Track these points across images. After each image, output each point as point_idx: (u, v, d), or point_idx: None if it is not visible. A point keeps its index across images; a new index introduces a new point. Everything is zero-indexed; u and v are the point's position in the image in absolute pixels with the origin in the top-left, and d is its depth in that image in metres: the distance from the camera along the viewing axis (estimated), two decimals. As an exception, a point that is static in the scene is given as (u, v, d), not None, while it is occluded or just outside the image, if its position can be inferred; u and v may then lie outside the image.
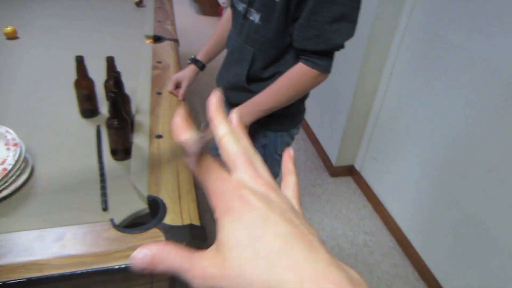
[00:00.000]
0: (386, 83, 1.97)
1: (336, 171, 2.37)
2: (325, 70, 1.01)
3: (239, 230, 0.22)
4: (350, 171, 2.39)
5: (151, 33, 1.71)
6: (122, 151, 1.01)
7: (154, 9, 2.05)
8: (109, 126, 0.97)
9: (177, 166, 0.98)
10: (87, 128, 1.12)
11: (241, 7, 1.07)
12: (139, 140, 1.06)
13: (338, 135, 2.26)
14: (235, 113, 0.29)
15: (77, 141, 1.06)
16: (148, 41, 1.65)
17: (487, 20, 1.35)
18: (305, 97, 1.21)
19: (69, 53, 1.46)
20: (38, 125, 1.11)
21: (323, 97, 2.47)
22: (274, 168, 1.28)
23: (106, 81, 1.13)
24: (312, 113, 2.71)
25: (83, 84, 1.10)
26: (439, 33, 1.58)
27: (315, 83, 1.03)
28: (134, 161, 0.98)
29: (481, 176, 1.43)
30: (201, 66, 1.32)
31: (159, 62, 1.47)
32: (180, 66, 1.48)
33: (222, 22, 1.32)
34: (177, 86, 1.30)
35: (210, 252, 0.23)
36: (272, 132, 1.22)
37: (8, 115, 1.14)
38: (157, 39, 1.67)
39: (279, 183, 0.28)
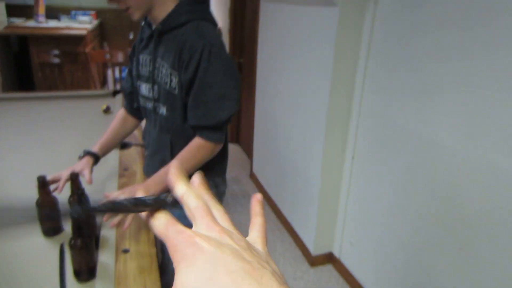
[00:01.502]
0: (350, 166, 2.05)
1: (316, 261, 2.32)
2: (218, 141, 1.18)
3: (193, 274, 0.24)
4: (330, 259, 2.35)
5: (118, 140, 1.74)
6: (86, 271, 0.97)
7: (121, 116, 2.12)
8: (72, 246, 0.94)
9: (145, 282, 0.93)
10: (49, 247, 1.07)
11: (150, 105, 1.26)
12: (105, 257, 1.02)
13: (313, 221, 2.26)
14: (196, 176, 0.33)
15: (38, 263, 1.01)
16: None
17: (433, 102, 1.49)
18: (221, 172, 1.40)
19: (34, 170, 1.46)
20: (-5, 251, 1.05)
21: (293, 184, 2.51)
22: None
23: (70, 197, 1.12)
24: (284, 202, 2.73)
25: (46, 203, 1.09)
26: (386, 116, 1.71)
27: (212, 153, 1.19)
28: (99, 282, 0.93)
29: (453, 254, 1.44)
30: (95, 158, 1.30)
31: (125, 170, 1.48)
32: (147, 172, 1.50)
33: (116, 119, 1.43)
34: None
35: None
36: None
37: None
38: (123, 145, 1.71)
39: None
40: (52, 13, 5.23)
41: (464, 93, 1.32)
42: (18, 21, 4.68)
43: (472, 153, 1.32)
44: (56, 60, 3.68)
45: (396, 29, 1.60)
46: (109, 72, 5.26)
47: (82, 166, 1.23)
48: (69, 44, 4.14)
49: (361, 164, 1.97)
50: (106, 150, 1.36)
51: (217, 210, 0.30)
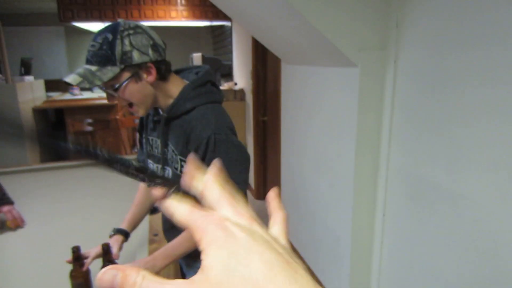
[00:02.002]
0: (381, 224, 1.99)
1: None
2: None
3: (225, 256, 0.22)
4: (367, 321, 2.20)
5: (148, 205, 1.78)
6: None
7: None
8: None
9: None
10: (81, 319, 1.07)
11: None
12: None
13: (346, 282, 2.16)
14: (214, 165, 0.31)
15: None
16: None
17: (463, 158, 1.46)
18: None
19: (69, 239, 1.50)
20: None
21: (323, 243, 2.44)
22: None
23: (102, 267, 1.13)
24: (315, 261, 2.64)
25: (79, 273, 1.10)
26: (416, 172, 1.68)
27: None
28: None
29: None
30: (125, 234, 1.31)
31: (155, 235, 1.50)
32: (176, 236, 1.50)
33: (139, 192, 1.44)
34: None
35: (195, 277, 0.23)
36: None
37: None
38: (152, 210, 1.73)
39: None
40: (86, 85, 5.62)
41: (497, 148, 1.30)
42: (55, 95, 5.05)
43: (507, 211, 1.26)
44: (89, 128, 3.90)
45: (419, 85, 1.62)
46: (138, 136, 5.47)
47: (111, 244, 1.25)
48: (101, 112, 4.40)
49: (392, 222, 1.91)
50: (134, 225, 1.38)
51: (240, 200, 0.29)
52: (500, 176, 1.28)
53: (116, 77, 1.02)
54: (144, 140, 1.32)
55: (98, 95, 4.99)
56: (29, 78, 4.38)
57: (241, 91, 4.31)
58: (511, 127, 1.22)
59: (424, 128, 1.61)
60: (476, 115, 1.35)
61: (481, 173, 1.35)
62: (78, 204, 1.93)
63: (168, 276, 1.21)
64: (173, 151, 1.17)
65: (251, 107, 4.06)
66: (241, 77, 4.43)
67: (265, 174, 4.13)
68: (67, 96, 4.94)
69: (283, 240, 0.29)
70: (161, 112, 1.21)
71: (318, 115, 2.36)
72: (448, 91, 1.47)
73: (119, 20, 1.06)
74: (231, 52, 4.82)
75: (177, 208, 0.27)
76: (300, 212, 2.81)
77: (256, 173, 4.18)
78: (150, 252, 1.37)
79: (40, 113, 4.42)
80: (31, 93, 4.27)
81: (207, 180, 0.29)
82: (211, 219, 0.25)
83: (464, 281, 1.48)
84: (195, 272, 0.24)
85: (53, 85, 5.45)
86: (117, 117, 4.34)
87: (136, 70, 1.04)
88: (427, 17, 1.53)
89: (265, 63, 3.72)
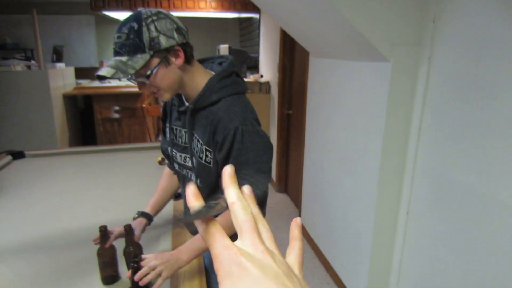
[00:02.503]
0: (404, 222, 1.95)
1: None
2: None
3: None
4: (385, 319, 2.17)
5: (172, 191, 1.81)
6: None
7: (175, 167, 2.21)
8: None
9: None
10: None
11: (185, 173, 1.28)
12: (159, 308, 1.02)
13: (364, 278, 2.13)
14: (246, 186, 0.33)
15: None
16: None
17: (494, 161, 1.41)
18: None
19: (96, 218, 1.54)
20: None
21: (343, 238, 2.42)
22: None
23: (126, 247, 1.16)
24: (334, 255, 2.62)
25: (106, 251, 1.13)
26: (443, 171, 1.63)
27: None
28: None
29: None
30: (149, 218, 1.35)
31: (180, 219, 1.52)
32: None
33: (163, 178, 1.48)
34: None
35: None
36: None
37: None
38: (177, 196, 1.76)
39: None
40: (115, 73, 5.73)
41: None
42: (84, 82, 5.17)
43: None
44: (116, 115, 3.97)
45: (453, 85, 1.57)
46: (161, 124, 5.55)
47: (134, 226, 1.28)
48: (128, 100, 4.49)
49: (416, 220, 1.87)
50: (158, 209, 1.41)
51: (263, 227, 0.32)
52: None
53: (146, 64, 1.04)
54: (167, 129, 1.33)
55: (125, 83, 5.08)
56: (60, 65, 4.50)
57: (267, 84, 4.30)
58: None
59: (455, 129, 1.57)
60: (508, 117, 1.30)
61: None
62: (105, 186, 1.97)
63: (191, 272, 1.23)
64: (198, 141, 1.18)
65: (276, 100, 4.04)
66: (267, 69, 4.42)
67: (287, 168, 4.12)
68: (96, 84, 5.05)
69: (296, 269, 0.32)
70: (185, 102, 1.22)
71: (345, 110, 2.33)
72: (482, 92, 1.42)
73: (139, 9, 1.06)
74: (258, 44, 4.81)
75: (206, 229, 0.30)
76: (321, 206, 2.79)
77: (278, 167, 4.18)
78: (173, 236, 1.40)
79: (70, 99, 4.54)
80: (62, 79, 4.39)
81: (238, 197, 0.31)
82: (228, 253, 0.28)
83: (488, 284, 1.44)
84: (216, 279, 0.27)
85: (83, 72, 5.59)
86: (143, 105, 4.41)
87: (165, 55, 1.05)
88: (466, 13, 1.48)
89: (292, 56, 3.69)
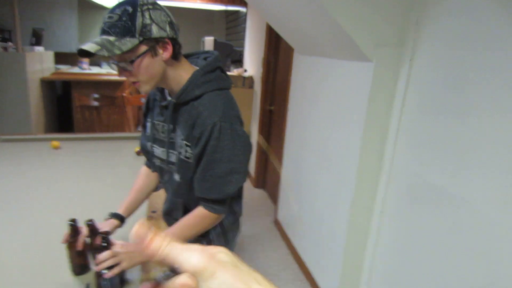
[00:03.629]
0: (378, 221, 1.98)
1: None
2: (221, 212, 1.20)
3: None
4: (356, 316, 2.21)
5: (149, 182, 1.78)
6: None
7: (153, 158, 2.18)
8: (98, 285, 0.95)
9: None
10: (77, 286, 1.08)
11: (165, 168, 1.28)
12: (129, 300, 1.01)
13: (336, 276, 2.16)
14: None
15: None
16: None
17: (469, 163, 1.44)
18: (237, 215, 1.39)
19: (69, 208, 1.50)
20: (24, 286, 1.06)
21: (317, 236, 2.44)
22: None
23: (90, 243, 1.12)
24: (308, 253, 2.64)
25: (76, 245, 1.11)
26: (419, 173, 1.66)
27: (212, 223, 1.21)
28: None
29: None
30: (121, 219, 1.28)
31: (153, 212, 1.50)
32: (175, 215, 1.50)
33: (139, 178, 1.42)
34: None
35: None
36: (231, 240, 1.40)
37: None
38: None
39: None
40: (95, 60, 5.60)
41: (503, 155, 1.28)
42: (64, 68, 5.04)
43: (507, 218, 1.24)
44: (95, 103, 3.89)
45: (433, 86, 1.60)
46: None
47: (103, 226, 1.21)
48: (108, 88, 4.39)
49: (390, 220, 1.90)
50: (131, 210, 1.35)
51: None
52: (503, 182, 1.26)
53: (133, 49, 1.01)
54: (148, 124, 1.30)
55: (106, 71, 4.98)
56: (39, 49, 4.36)
57: (250, 79, 4.28)
58: (523, 134, 1.21)
59: (432, 132, 1.59)
60: (486, 122, 1.33)
61: (485, 179, 1.34)
62: (81, 175, 1.93)
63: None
64: (179, 136, 1.16)
65: (259, 95, 4.03)
66: (251, 64, 4.40)
67: (266, 164, 4.13)
68: (75, 70, 4.92)
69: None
70: (168, 96, 1.20)
71: (326, 109, 2.34)
72: (460, 97, 1.45)
73: None
74: (243, 38, 4.78)
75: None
76: (298, 202, 2.81)
77: (257, 162, 4.18)
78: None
79: (47, 84, 4.41)
80: (40, 64, 4.25)
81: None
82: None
83: (457, 286, 1.48)
84: None
85: (63, 57, 5.43)
86: (124, 94, 4.33)
87: (153, 45, 1.03)
88: (448, 16, 1.50)
89: (277, 52, 3.69)
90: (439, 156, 1.56)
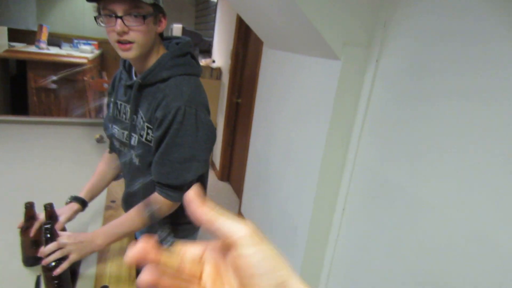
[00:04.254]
0: (339, 218, 2.02)
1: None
2: (176, 200, 1.14)
3: None
4: (313, 309, 2.26)
5: (108, 171, 1.71)
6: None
7: (114, 146, 2.10)
8: (46, 276, 0.90)
9: (123, 325, 0.88)
10: (28, 278, 1.01)
11: (124, 151, 1.24)
12: (83, 293, 0.96)
13: (296, 269, 2.19)
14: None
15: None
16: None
17: (426, 164, 1.50)
18: None
19: (21, 195, 1.42)
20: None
21: (280, 230, 2.46)
22: None
23: (44, 224, 1.07)
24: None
25: (31, 231, 1.04)
26: (380, 172, 1.71)
27: (167, 211, 1.15)
28: (73, 321, 0.87)
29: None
30: (82, 203, 1.25)
31: (113, 202, 1.44)
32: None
33: (102, 162, 1.40)
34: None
35: None
36: (180, 238, 1.32)
37: None
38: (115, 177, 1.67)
39: None
40: (54, 40, 5.32)
41: (461, 157, 1.34)
42: (19, 46, 4.74)
43: (466, 222, 1.31)
44: (53, 86, 3.69)
45: (395, 88, 1.64)
46: (105, 101, 5.28)
47: (63, 211, 1.17)
48: (68, 71, 4.18)
49: (351, 218, 1.95)
50: (93, 194, 1.31)
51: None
52: (459, 182, 1.32)
53: (144, 6, 1.01)
54: (111, 104, 1.26)
55: (66, 52, 4.73)
56: (-9, 23, 4.07)
57: (218, 70, 4.23)
58: (474, 140, 1.27)
59: (394, 131, 1.64)
60: (444, 124, 1.39)
61: (442, 178, 1.40)
62: (35, 161, 1.82)
63: (122, 251, 1.17)
64: (141, 118, 1.12)
65: (226, 87, 4.00)
66: (220, 55, 4.35)
67: (231, 156, 4.11)
68: (32, 49, 4.64)
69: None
70: (134, 77, 1.16)
71: (292, 104, 2.35)
72: (421, 99, 1.50)
73: None
74: (213, 28, 4.71)
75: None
76: (262, 197, 2.82)
77: (222, 155, 4.15)
78: (105, 218, 1.32)
79: (0, 62, 4.13)
80: (-7, 39, 3.98)
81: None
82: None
83: (412, 284, 1.54)
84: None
85: (18, 35, 5.11)
86: (85, 78, 4.14)
87: (157, 14, 1.07)
88: (415, 19, 1.55)
89: (246, 45, 3.66)
90: (399, 155, 1.61)
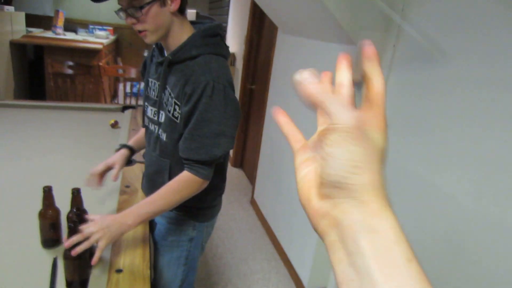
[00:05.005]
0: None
1: (309, 296, 2.25)
2: (206, 177, 1.15)
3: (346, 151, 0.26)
4: (324, 296, 2.27)
5: (123, 156, 1.73)
6: (78, 283, 0.94)
7: (129, 131, 2.12)
8: (66, 257, 0.92)
9: (137, 307, 0.90)
10: (46, 259, 1.04)
11: (153, 128, 1.26)
12: (98, 273, 0.98)
13: (310, 256, 2.20)
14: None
15: (33, 274, 0.97)
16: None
17: (444, 152, 1.47)
18: (220, 192, 1.38)
19: (38, 179, 1.44)
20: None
21: (293, 217, 2.47)
22: (197, 256, 1.39)
23: (69, 212, 1.09)
24: (283, 232, 2.67)
25: (49, 214, 1.06)
26: (392, 157, 1.69)
27: (197, 189, 1.16)
28: (89, 301, 0.89)
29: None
30: (130, 150, 1.37)
31: (127, 187, 1.46)
32: (149, 191, 1.47)
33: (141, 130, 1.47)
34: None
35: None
36: (200, 223, 1.34)
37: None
38: (127, 162, 1.69)
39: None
40: (71, 25, 5.36)
41: (483, 147, 1.30)
42: (36, 31, 4.78)
43: (481, 208, 1.28)
44: (69, 71, 3.73)
45: (413, 74, 1.60)
46: (121, 86, 5.32)
47: (115, 159, 1.28)
48: (84, 56, 4.21)
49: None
50: (140, 146, 1.41)
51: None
52: (477, 172, 1.29)
53: None
54: (144, 83, 1.30)
55: (82, 38, 4.77)
56: (9, 8, 4.11)
57: (232, 56, 4.20)
58: (493, 127, 1.23)
59: (410, 119, 1.61)
60: (464, 114, 1.35)
61: (460, 169, 1.37)
62: (52, 145, 1.85)
63: (135, 241, 1.19)
64: (170, 94, 1.14)
65: (240, 73, 3.97)
66: (234, 41, 4.31)
67: (244, 143, 4.11)
68: (49, 34, 4.69)
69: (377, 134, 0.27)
70: (166, 54, 1.19)
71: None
72: (440, 86, 1.46)
73: None
74: (227, 14, 4.66)
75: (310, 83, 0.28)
76: (275, 184, 2.82)
77: (236, 141, 4.15)
78: (120, 203, 1.34)
79: (18, 48, 4.18)
80: (10, 25, 4.02)
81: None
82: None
83: (426, 270, 1.52)
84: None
85: (35, 20, 5.16)
86: (100, 63, 4.17)
87: None
88: (434, 3, 1.49)
89: (260, 30, 3.62)
90: (416, 143, 1.58)
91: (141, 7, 1.02)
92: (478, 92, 1.29)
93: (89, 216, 1.04)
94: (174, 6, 1.07)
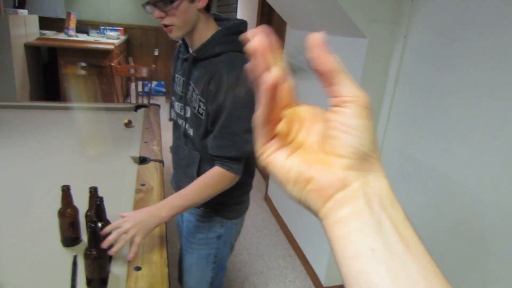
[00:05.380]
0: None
1: (326, 291, 2.26)
2: (238, 172, 1.18)
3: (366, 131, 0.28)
4: (340, 290, 2.28)
5: (137, 154, 1.76)
6: (98, 281, 0.96)
7: (142, 130, 2.14)
8: (86, 256, 0.94)
9: (155, 302, 0.92)
10: (66, 257, 1.07)
11: (181, 123, 1.29)
12: (117, 270, 1.01)
13: (327, 252, 2.20)
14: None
15: (54, 272, 1.01)
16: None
17: (458, 142, 1.45)
18: (248, 188, 1.39)
19: (56, 178, 1.48)
20: (12, 254, 1.05)
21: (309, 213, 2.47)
22: (226, 255, 1.41)
23: (88, 211, 1.12)
24: (298, 229, 2.68)
25: (68, 213, 1.09)
26: (410, 150, 1.68)
27: (229, 184, 1.18)
28: (109, 297, 0.92)
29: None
30: None
31: (142, 185, 1.49)
32: (164, 189, 1.49)
33: None
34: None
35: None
36: (227, 220, 1.35)
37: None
38: (142, 160, 1.72)
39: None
40: (82, 27, 5.43)
41: (495, 135, 1.29)
42: (49, 33, 4.86)
43: (499, 199, 1.27)
44: (82, 72, 3.79)
45: (425, 64, 1.59)
46: (133, 86, 5.37)
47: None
48: (96, 57, 4.27)
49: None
50: None
51: None
52: (491, 162, 1.28)
53: None
54: (172, 79, 1.34)
55: (94, 39, 4.83)
56: (23, 12, 4.19)
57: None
58: (508, 117, 1.21)
59: (424, 110, 1.60)
60: (476, 102, 1.33)
61: (473, 159, 1.35)
62: (68, 145, 1.89)
63: (152, 240, 1.21)
64: (194, 90, 1.17)
65: (250, 70, 3.97)
66: (243, 37, 4.31)
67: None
68: (62, 36, 4.76)
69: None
70: (191, 51, 1.21)
71: (316, 84, 2.31)
72: (453, 76, 1.44)
73: None
74: (235, 11, 4.67)
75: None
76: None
77: (247, 137, 4.16)
78: (135, 201, 1.37)
79: (32, 50, 4.26)
80: (24, 28, 4.10)
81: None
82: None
83: (446, 263, 1.52)
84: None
85: (48, 23, 5.25)
86: (112, 64, 4.22)
87: None
88: (445, -7, 1.47)
89: (269, 26, 3.61)
90: (429, 134, 1.57)
91: (172, 1, 1.04)
92: (492, 82, 1.27)
93: (122, 213, 1.07)
94: (202, 3, 1.09)
